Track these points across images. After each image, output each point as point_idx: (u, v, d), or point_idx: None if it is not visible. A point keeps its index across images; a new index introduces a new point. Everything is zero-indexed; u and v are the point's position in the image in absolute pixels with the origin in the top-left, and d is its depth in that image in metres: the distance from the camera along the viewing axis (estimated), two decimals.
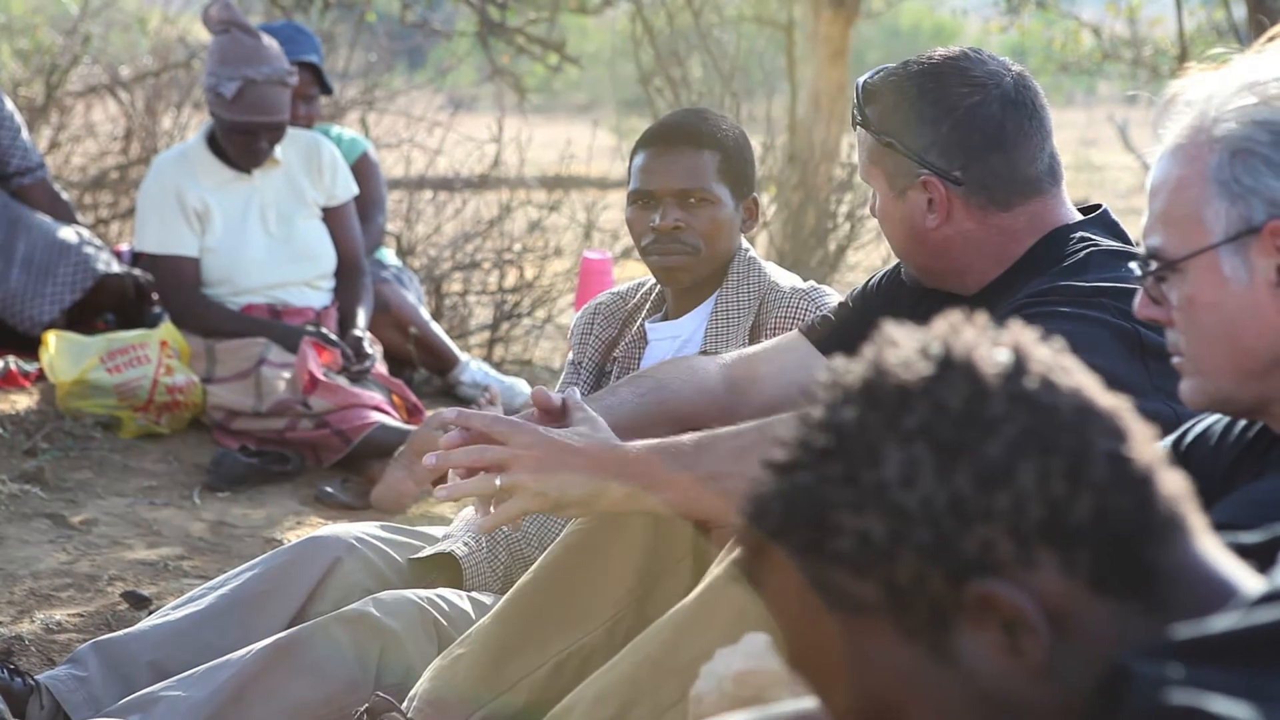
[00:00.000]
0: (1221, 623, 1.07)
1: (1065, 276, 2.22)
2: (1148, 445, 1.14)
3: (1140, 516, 1.12)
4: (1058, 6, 10.39)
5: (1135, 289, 2.15)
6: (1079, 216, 2.35)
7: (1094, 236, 2.28)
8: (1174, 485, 1.14)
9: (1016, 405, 1.12)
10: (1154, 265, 1.66)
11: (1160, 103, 1.66)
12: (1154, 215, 1.66)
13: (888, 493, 1.11)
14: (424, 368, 5.47)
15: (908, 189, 2.33)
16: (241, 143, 4.77)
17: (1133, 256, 2.22)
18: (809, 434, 1.16)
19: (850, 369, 1.17)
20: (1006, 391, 1.13)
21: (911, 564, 1.11)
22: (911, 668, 1.13)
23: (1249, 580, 1.15)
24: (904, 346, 1.16)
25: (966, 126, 2.29)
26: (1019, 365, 1.14)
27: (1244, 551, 1.22)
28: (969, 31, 18.68)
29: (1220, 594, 1.13)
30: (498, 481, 2.19)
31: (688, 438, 2.22)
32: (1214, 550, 1.15)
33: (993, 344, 1.15)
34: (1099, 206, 2.37)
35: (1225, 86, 1.62)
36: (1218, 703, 1.01)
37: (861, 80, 2.38)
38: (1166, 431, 1.84)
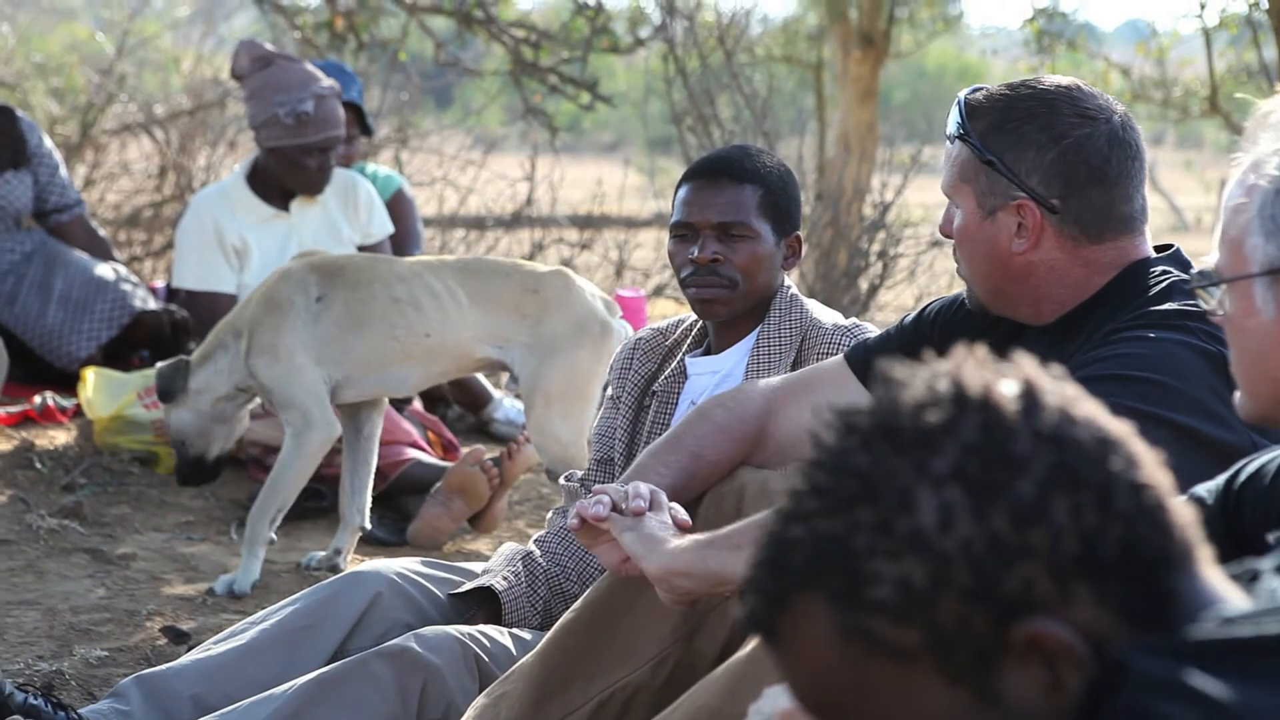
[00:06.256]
0: (1206, 630, 1.10)
1: (1149, 304, 2.21)
2: (1158, 471, 1.16)
3: (1161, 543, 1.13)
4: (1087, 47, 10.41)
5: None
6: (1155, 254, 2.34)
7: (1172, 269, 2.28)
8: (1184, 513, 1.16)
9: (1042, 441, 1.13)
10: (1206, 279, 1.69)
11: (1252, 118, 1.67)
12: (1219, 230, 1.68)
13: (925, 538, 1.11)
14: (458, 405, 5.49)
15: (998, 210, 2.30)
16: (316, 164, 4.77)
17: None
18: (826, 480, 1.15)
19: (859, 411, 1.17)
20: (1030, 428, 1.13)
21: (954, 608, 1.11)
22: (953, 712, 1.12)
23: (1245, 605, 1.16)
24: (916, 386, 1.16)
25: (1073, 157, 2.26)
26: (1034, 399, 1.15)
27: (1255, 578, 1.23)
28: (995, 73, 18.69)
29: None
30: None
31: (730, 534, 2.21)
32: (1218, 578, 1.17)
33: (1002, 379, 1.16)
34: (1171, 246, 2.37)
35: None
36: (1189, 713, 1.04)
37: (964, 95, 2.35)
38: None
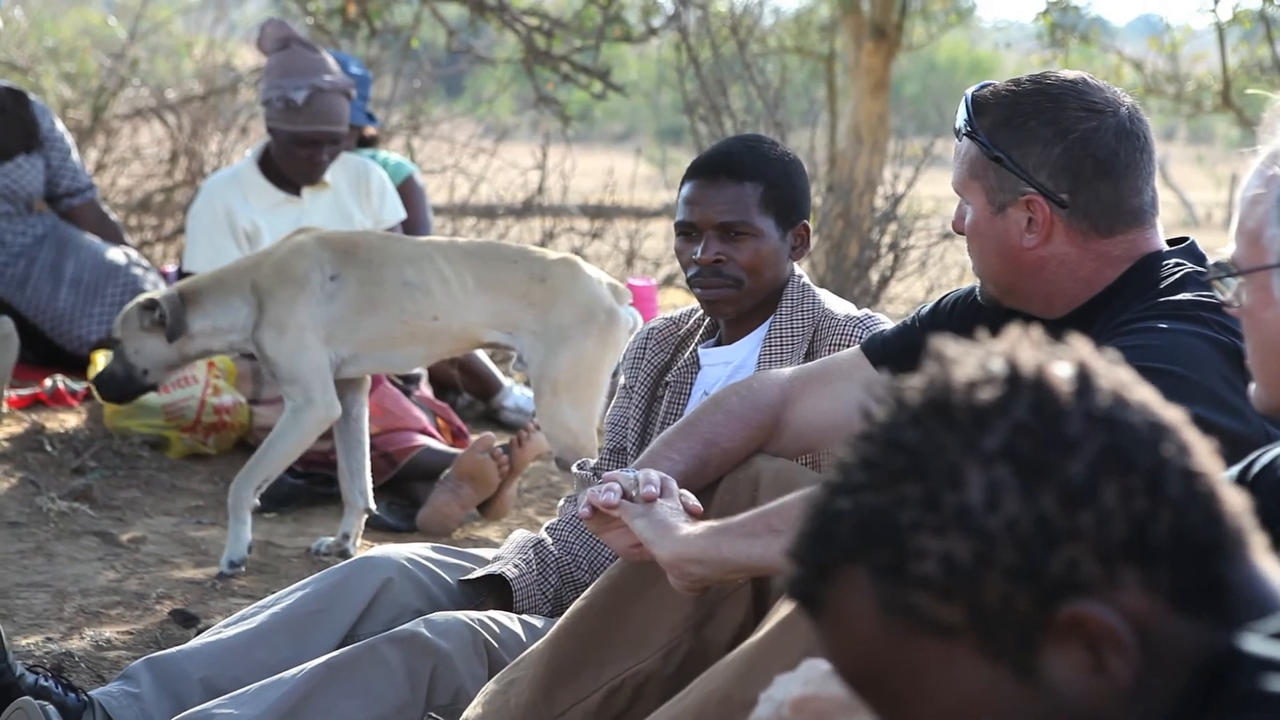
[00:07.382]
0: None
1: (1162, 296, 2.20)
2: (1211, 459, 1.15)
3: (1213, 531, 1.12)
4: (1100, 41, 10.38)
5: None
6: (1167, 248, 2.34)
7: (1185, 263, 2.27)
8: (1237, 501, 1.15)
9: (1094, 423, 1.12)
10: (1222, 270, 1.69)
11: (1270, 110, 1.67)
12: (1236, 222, 1.68)
13: (972, 515, 1.10)
14: (468, 392, 5.49)
15: (1008, 206, 2.30)
16: (305, 155, 4.74)
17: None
18: (875, 454, 1.14)
19: (911, 387, 1.16)
20: (1082, 409, 1.12)
21: (998, 586, 1.10)
22: (994, 689, 1.12)
23: None
24: (969, 364, 1.15)
25: (1080, 151, 2.26)
26: (1087, 381, 1.14)
27: None
28: (1007, 66, 18.67)
29: None
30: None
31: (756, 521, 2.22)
32: (1273, 567, 1.16)
33: (1056, 360, 1.15)
34: (1186, 239, 2.37)
35: None
36: None
37: (971, 91, 2.35)
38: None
